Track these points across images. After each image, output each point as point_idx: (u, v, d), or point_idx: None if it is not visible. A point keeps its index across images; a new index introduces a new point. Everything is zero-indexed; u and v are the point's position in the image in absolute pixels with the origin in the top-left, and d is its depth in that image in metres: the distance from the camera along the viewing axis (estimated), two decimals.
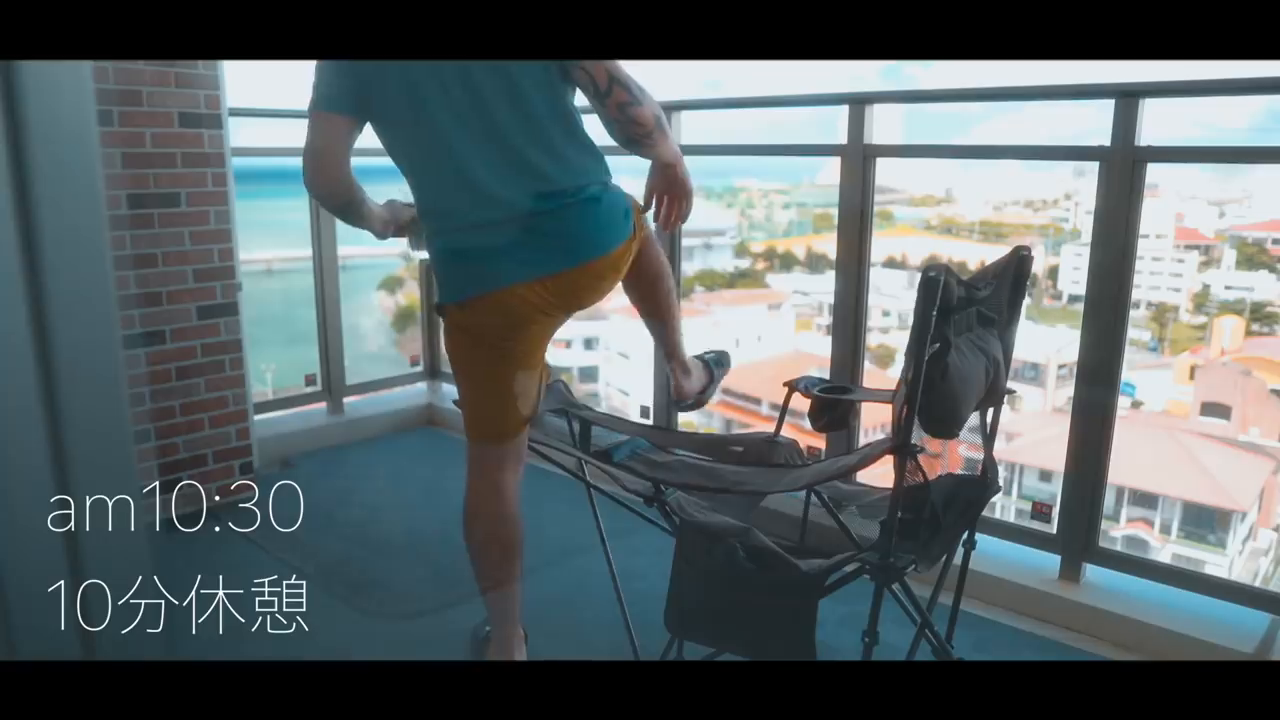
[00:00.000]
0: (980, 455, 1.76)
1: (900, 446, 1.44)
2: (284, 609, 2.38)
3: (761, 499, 1.88)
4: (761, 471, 1.69)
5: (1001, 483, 1.77)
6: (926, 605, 1.77)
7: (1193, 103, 2.21)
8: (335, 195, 1.58)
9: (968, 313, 1.54)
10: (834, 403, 1.97)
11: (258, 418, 3.27)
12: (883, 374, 6.72)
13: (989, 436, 1.74)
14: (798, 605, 1.56)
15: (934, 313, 1.36)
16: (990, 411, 1.71)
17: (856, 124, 2.54)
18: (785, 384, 2.04)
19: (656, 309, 1.86)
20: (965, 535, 1.74)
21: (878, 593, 1.50)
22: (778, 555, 1.56)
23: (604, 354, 10.36)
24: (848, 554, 1.53)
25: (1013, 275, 1.62)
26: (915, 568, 1.53)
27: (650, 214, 1.69)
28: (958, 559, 1.78)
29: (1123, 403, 2.24)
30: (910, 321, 1.60)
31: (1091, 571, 2.33)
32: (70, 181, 0.71)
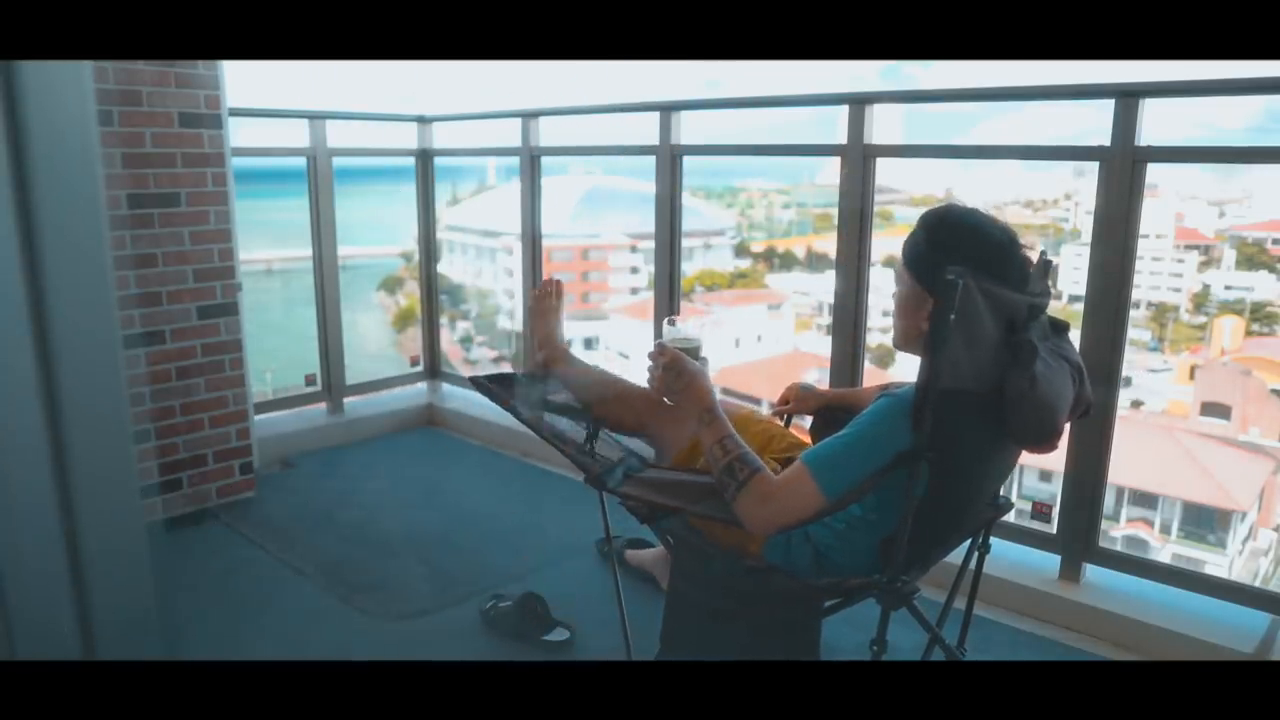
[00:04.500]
0: None
1: (912, 455, 1.40)
2: (284, 609, 2.38)
3: None
4: None
5: (1013, 500, 1.77)
6: (940, 612, 1.76)
7: (1193, 103, 2.21)
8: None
9: (1040, 321, 1.50)
10: (829, 408, 1.96)
11: (258, 418, 3.28)
12: (883, 374, 6.72)
13: None
14: (801, 622, 1.54)
15: (951, 315, 1.32)
16: None
17: (856, 124, 2.54)
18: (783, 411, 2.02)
19: None
20: (981, 539, 1.73)
21: (884, 616, 1.47)
22: (780, 571, 1.54)
23: (604, 354, 10.36)
24: (854, 578, 1.50)
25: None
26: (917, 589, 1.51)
27: None
28: (969, 563, 1.77)
29: (1123, 402, 2.24)
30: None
31: (1091, 571, 2.33)
32: (70, 181, 0.71)
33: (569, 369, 2.08)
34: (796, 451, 1.62)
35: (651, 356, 1.61)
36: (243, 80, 3.06)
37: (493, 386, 2.07)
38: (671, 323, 1.73)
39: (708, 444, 1.52)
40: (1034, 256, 1.51)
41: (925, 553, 1.52)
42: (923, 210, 1.52)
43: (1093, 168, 2.18)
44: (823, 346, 3.91)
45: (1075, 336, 1.64)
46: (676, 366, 1.57)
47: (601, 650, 2.11)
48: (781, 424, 1.98)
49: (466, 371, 4.63)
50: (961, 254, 1.40)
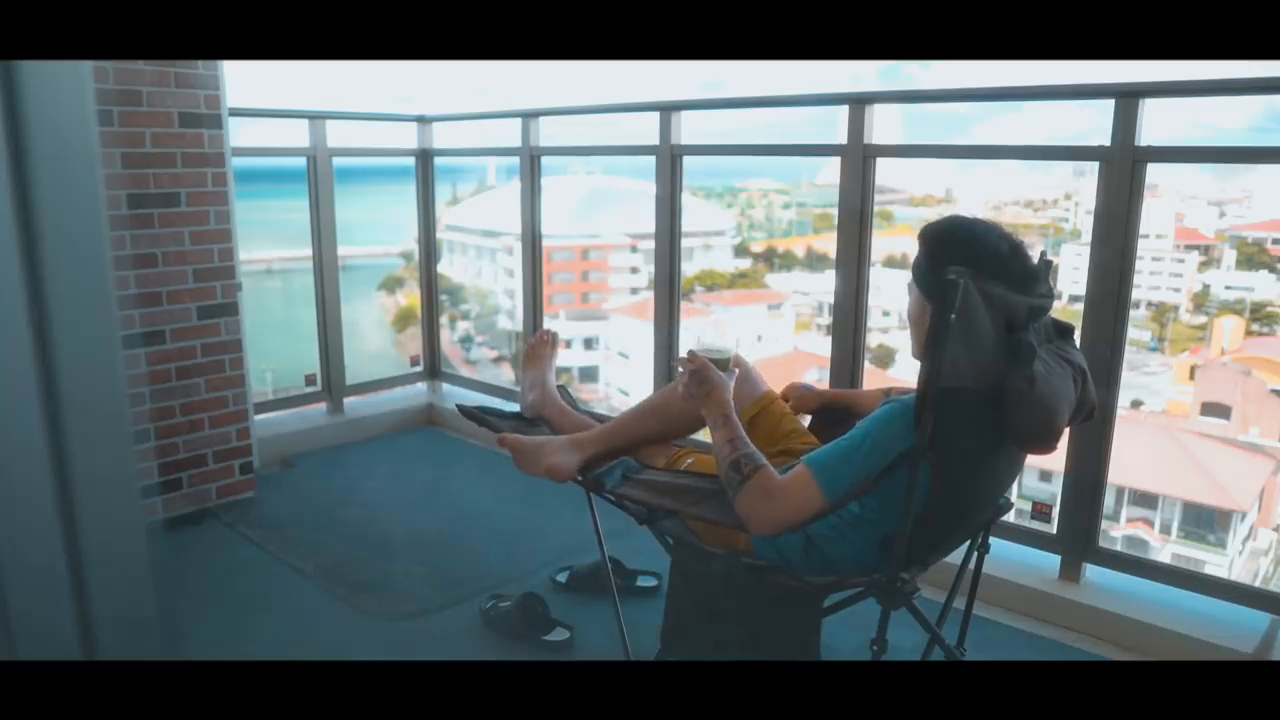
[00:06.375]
0: None
1: (916, 452, 1.40)
2: (284, 609, 2.38)
3: None
4: None
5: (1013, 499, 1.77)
6: (940, 612, 1.76)
7: (1193, 103, 2.21)
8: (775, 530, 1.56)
9: (1044, 322, 1.51)
10: (829, 407, 1.96)
11: (258, 418, 3.28)
12: (883, 374, 6.72)
13: None
14: (801, 622, 1.54)
15: (952, 316, 1.33)
16: None
17: (856, 124, 2.54)
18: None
19: None
20: (980, 539, 1.73)
21: (884, 616, 1.47)
22: (779, 569, 1.54)
23: (604, 354, 10.36)
24: (854, 575, 1.50)
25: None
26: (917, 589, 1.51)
27: None
28: (969, 563, 1.77)
29: (1123, 401, 2.24)
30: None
31: (1091, 571, 2.33)
32: (70, 181, 0.71)
33: (558, 416, 2.16)
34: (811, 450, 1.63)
35: (682, 362, 1.70)
36: (243, 80, 3.06)
37: (477, 414, 2.13)
38: (702, 333, 1.80)
39: (718, 442, 1.59)
40: (1034, 257, 1.52)
41: (925, 553, 1.52)
42: (922, 210, 1.54)
43: (1093, 168, 2.18)
44: (823, 346, 3.91)
45: (1075, 336, 1.63)
46: (700, 375, 1.65)
47: (601, 650, 2.11)
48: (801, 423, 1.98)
49: (466, 371, 4.64)
50: (955, 265, 1.39)
